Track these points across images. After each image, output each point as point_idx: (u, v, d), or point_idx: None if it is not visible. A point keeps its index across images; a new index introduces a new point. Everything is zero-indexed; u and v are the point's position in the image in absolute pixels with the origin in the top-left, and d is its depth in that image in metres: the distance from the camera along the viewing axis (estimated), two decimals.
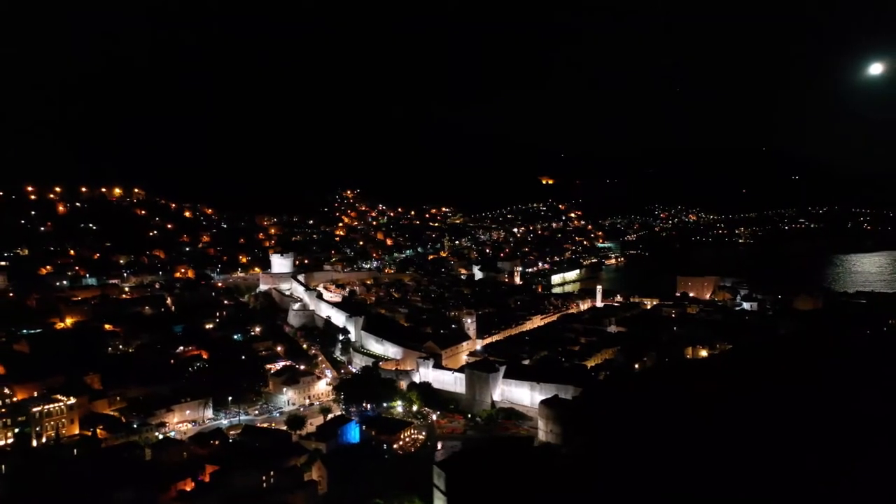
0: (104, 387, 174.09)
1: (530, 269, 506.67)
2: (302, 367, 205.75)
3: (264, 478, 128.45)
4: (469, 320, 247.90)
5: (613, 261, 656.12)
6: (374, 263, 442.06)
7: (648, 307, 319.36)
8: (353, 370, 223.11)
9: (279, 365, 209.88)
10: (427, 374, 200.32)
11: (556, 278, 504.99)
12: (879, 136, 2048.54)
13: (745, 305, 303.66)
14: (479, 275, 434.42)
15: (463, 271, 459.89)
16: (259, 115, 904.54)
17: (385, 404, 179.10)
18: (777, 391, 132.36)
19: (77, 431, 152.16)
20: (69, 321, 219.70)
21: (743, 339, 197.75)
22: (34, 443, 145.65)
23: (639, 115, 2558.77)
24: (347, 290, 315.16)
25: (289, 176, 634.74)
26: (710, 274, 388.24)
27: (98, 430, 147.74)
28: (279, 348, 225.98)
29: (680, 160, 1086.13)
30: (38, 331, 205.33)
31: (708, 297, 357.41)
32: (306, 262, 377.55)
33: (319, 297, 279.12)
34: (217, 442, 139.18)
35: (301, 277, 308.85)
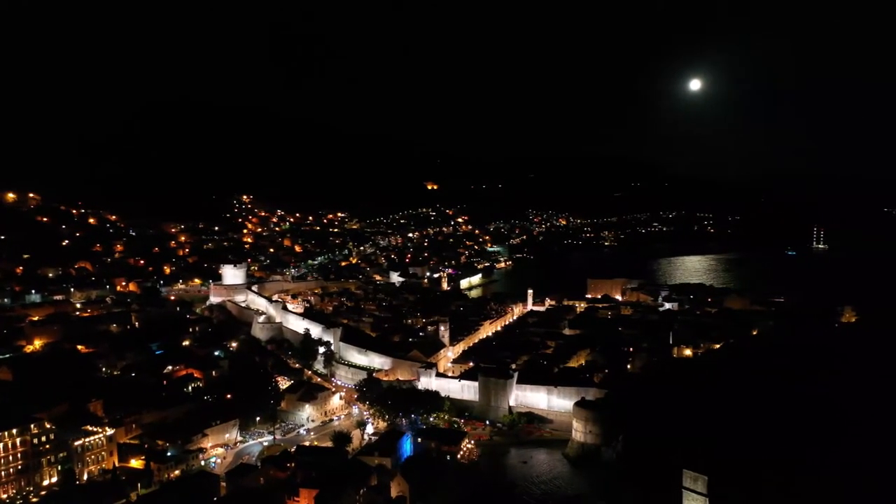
0: (105, 413, 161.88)
1: (437, 275, 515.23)
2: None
3: (358, 497, 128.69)
4: (443, 328, 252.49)
5: (503, 264, 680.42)
6: (293, 271, 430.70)
7: (579, 310, 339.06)
8: (340, 383, 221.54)
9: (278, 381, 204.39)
10: (430, 382, 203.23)
11: (463, 283, 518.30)
12: (713, 144, 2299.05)
13: (668, 305, 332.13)
14: (398, 281, 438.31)
15: (378, 277, 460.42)
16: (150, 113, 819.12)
17: (414, 415, 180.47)
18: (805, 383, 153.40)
19: (117, 464, 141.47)
20: (38, 343, 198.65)
21: (726, 338, 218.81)
22: (77, 480, 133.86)
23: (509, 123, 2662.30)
24: (301, 299, 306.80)
25: (183, 179, 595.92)
26: (592, 276, 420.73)
27: (151, 462, 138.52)
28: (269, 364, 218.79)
29: (549, 166, 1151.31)
30: (9, 355, 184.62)
31: (620, 297, 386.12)
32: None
33: (285, 308, 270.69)
34: (293, 464, 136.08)
35: (255, 288, 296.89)
